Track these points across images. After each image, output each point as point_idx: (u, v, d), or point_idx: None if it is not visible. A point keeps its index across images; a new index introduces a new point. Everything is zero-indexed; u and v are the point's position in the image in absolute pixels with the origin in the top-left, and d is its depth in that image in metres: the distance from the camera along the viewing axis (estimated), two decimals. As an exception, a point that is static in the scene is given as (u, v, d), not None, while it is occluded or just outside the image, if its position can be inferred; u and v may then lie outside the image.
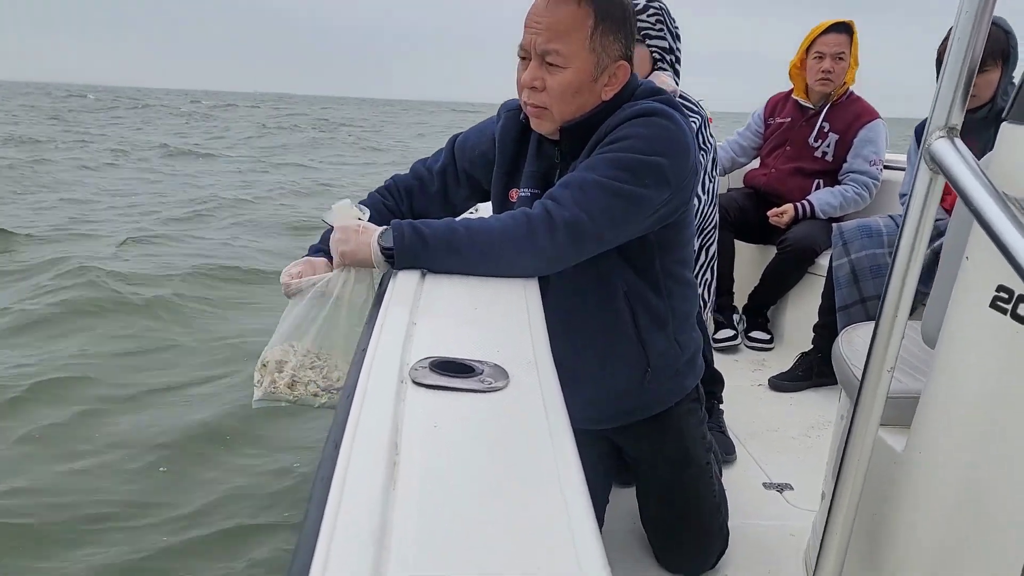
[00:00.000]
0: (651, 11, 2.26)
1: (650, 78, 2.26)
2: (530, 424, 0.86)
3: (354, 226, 1.37)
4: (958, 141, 1.07)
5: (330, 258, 1.49)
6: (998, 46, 2.51)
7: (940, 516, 1.19)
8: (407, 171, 1.79)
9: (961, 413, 1.15)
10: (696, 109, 2.35)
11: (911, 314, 1.66)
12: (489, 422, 0.87)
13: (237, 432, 3.62)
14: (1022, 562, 0.90)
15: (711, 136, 2.40)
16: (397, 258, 1.31)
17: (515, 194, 1.60)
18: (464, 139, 1.72)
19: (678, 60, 2.32)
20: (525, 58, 1.46)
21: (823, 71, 3.30)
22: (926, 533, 1.22)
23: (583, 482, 0.74)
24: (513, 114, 1.62)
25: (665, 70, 2.29)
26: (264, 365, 1.40)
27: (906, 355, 1.63)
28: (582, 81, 1.45)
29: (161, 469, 3.29)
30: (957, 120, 1.08)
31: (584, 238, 1.34)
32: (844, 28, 3.28)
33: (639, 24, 2.25)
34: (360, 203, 1.53)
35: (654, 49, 2.27)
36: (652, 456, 1.74)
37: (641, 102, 1.47)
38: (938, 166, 1.08)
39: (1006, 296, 1.05)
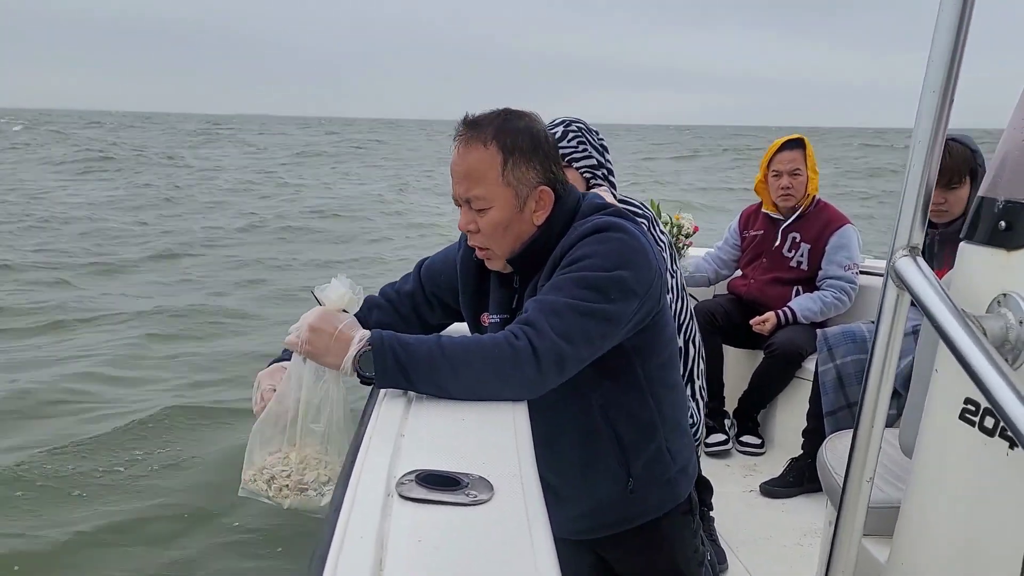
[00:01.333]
0: (570, 135, 2.35)
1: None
2: (513, 538, 0.88)
3: (330, 329, 1.34)
4: (920, 260, 1.13)
5: None
6: (966, 164, 2.64)
7: (926, 629, 1.19)
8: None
9: (939, 524, 1.16)
10: (641, 211, 2.42)
11: (893, 422, 1.68)
12: (473, 536, 0.88)
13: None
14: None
15: (661, 232, 2.46)
16: (378, 384, 1.33)
17: (486, 319, 1.64)
18: (430, 265, 1.76)
19: (611, 172, 2.40)
20: (459, 205, 1.54)
21: (782, 188, 3.46)
22: (914, 647, 1.22)
23: None
24: None
25: (601, 185, 2.37)
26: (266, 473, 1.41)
27: (890, 464, 1.65)
28: (509, 216, 1.51)
29: None
30: (918, 240, 1.15)
31: (567, 364, 1.37)
32: (796, 144, 3.46)
33: (562, 150, 2.32)
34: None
35: (583, 169, 2.35)
36: (642, 571, 1.72)
37: (591, 219, 1.52)
38: (903, 283, 1.13)
39: (973, 408, 1.08)
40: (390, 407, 1.28)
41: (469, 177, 1.50)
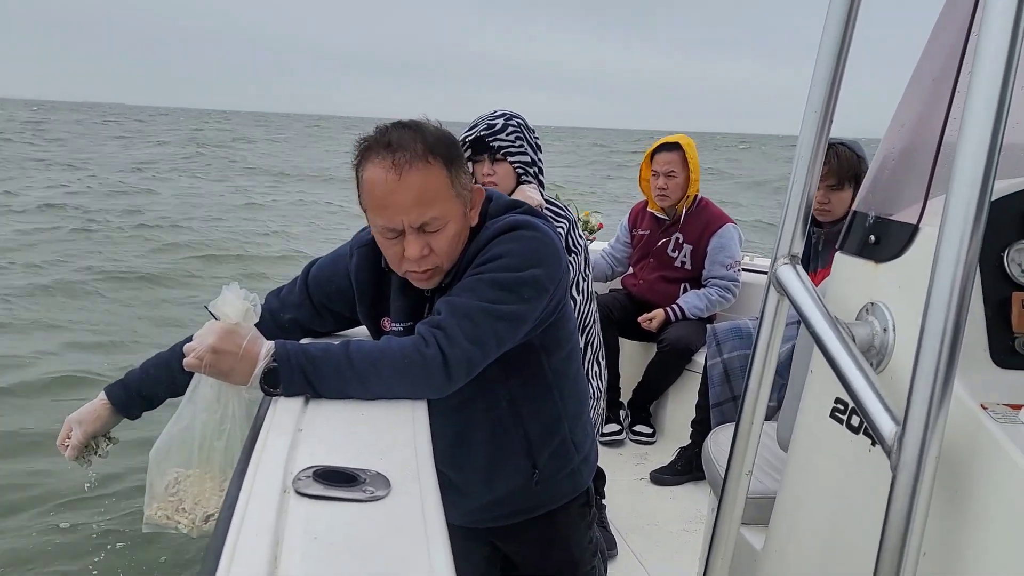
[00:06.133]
0: (509, 129, 2.39)
1: (516, 192, 2.38)
2: (408, 535, 0.90)
3: (234, 348, 1.27)
4: (799, 268, 1.21)
5: (125, 407, 1.55)
6: (851, 170, 2.79)
7: (795, 612, 1.28)
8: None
9: (809, 514, 1.25)
10: (564, 213, 2.47)
11: (773, 415, 1.78)
12: (369, 533, 0.90)
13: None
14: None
15: (580, 236, 2.53)
16: (284, 396, 1.28)
17: (387, 323, 1.59)
18: (319, 273, 1.66)
19: (541, 171, 2.45)
20: (394, 238, 1.42)
21: (659, 188, 3.57)
22: (783, 629, 1.31)
23: None
24: (366, 250, 1.59)
25: (530, 183, 2.41)
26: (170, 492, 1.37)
27: (769, 456, 1.75)
28: (461, 226, 1.46)
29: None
30: (798, 249, 1.22)
31: (475, 367, 1.37)
32: (674, 147, 3.53)
33: (500, 143, 2.38)
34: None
35: (517, 164, 2.40)
36: (538, 561, 1.75)
37: (504, 217, 1.50)
38: (783, 289, 1.21)
39: (842, 407, 1.17)
40: (288, 401, 1.27)
41: (422, 201, 1.37)
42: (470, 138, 2.39)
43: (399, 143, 1.38)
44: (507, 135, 2.37)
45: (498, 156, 2.37)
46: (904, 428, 0.88)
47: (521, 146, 2.39)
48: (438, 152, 1.40)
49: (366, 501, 0.96)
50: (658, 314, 3.55)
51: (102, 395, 1.56)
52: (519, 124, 2.40)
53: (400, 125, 1.43)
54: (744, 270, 3.69)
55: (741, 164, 34.21)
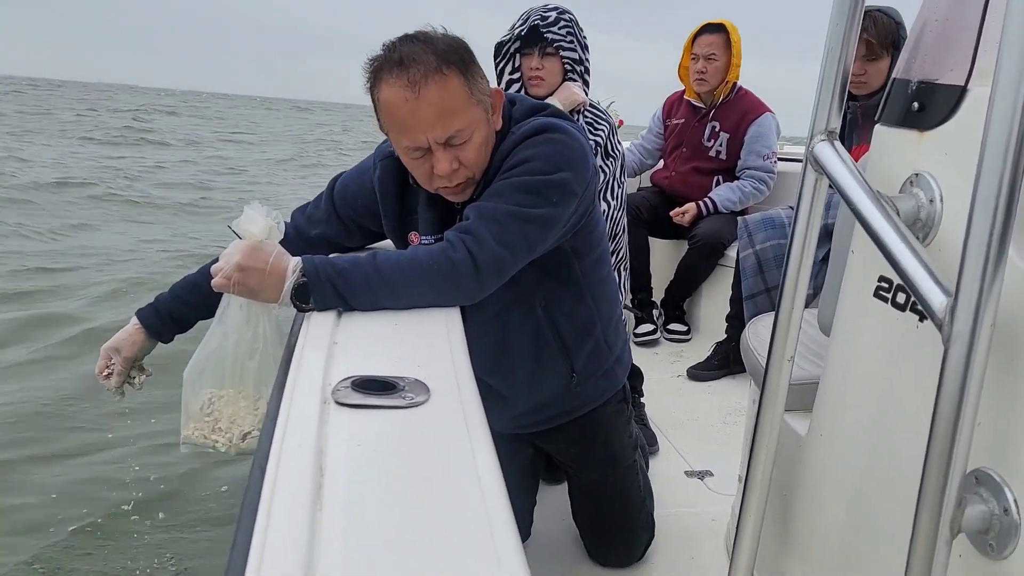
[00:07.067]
0: (562, 23, 2.32)
1: (561, 88, 2.33)
2: (451, 437, 0.89)
3: (260, 264, 1.26)
4: (837, 144, 1.15)
5: (159, 331, 1.56)
6: (889, 37, 2.65)
7: (842, 493, 1.28)
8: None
9: (854, 396, 1.23)
10: (605, 117, 2.43)
11: (811, 302, 1.75)
12: (411, 438, 0.89)
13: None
14: (910, 531, 0.98)
15: (619, 142, 2.48)
16: (316, 311, 1.27)
17: (415, 238, 1.58)
18: (344, 187, 1.64)
19: (587, 71, 2.40)
20: (421, 156, 1.40)
21: (697, 71, 3.44)
22: (830, 510, 1.31)
23: (504, 493, 0.78)
24: (389, 162, 1.56)
25: (575, 80, 2.36)
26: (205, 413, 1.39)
27: (809, 343, 1.73)
28: (487, 132, 1.43)
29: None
30: (835, 124, 1.16)
31: (506, 271, 1.36)
32: (717, 28, 3.40)
33: (551, 35, 2.31)
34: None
35: (565, 60, 2.34)
36: (580, 459, 1.79)
37: (529, 121, 1.47)
38: (821, 167, 1.15)
39: (886, 286, 1.13)
40: (321, 315, 1.26)
41: (444, 114, 1.35)
42: (521, 28, 2.32)
43: (411, 57, 1.34)
44: (559, 28, 2.31)
45: (548, 50, 2.31)
46: (956, 298, 0.85)
47: (572, 42, 2.34)
48: (452, 60, 1.36)
49: (407, 407, 0.96)
50: (690, 207, 3.48)
51: (134, 320, 1.58)
52: (571, 19, 2.34)
53: (408, 38, 1.38)
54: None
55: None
